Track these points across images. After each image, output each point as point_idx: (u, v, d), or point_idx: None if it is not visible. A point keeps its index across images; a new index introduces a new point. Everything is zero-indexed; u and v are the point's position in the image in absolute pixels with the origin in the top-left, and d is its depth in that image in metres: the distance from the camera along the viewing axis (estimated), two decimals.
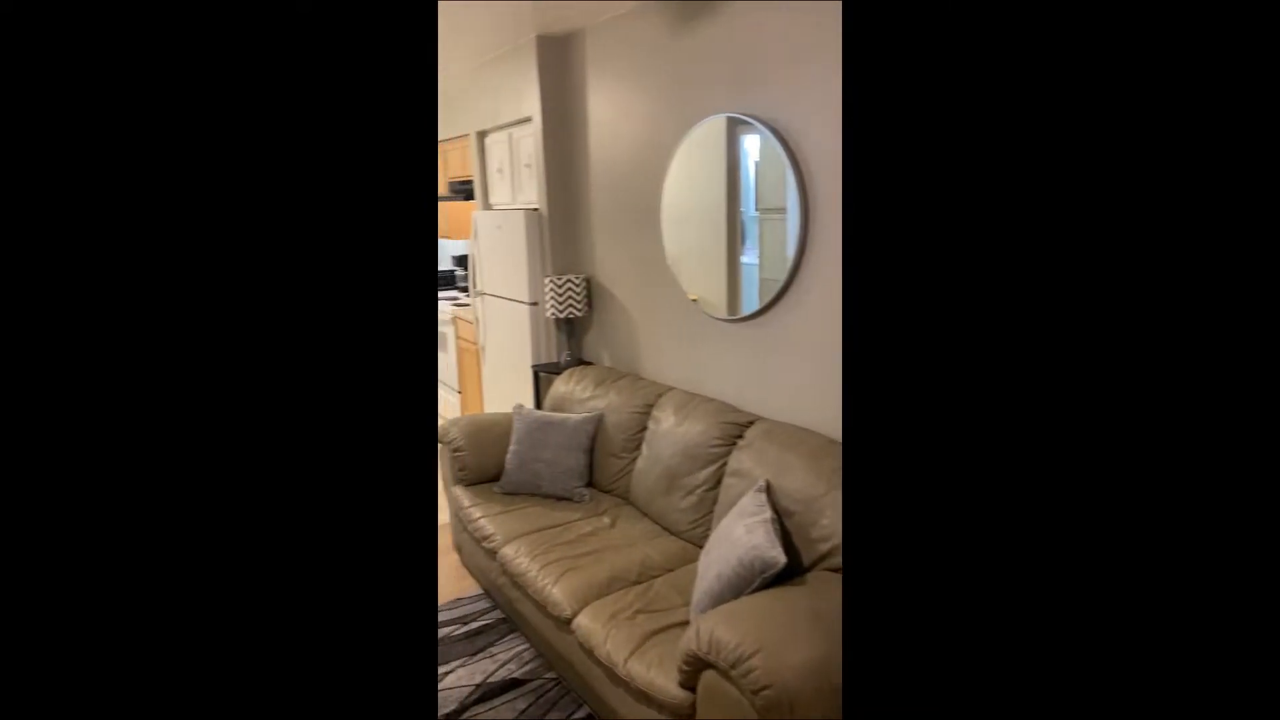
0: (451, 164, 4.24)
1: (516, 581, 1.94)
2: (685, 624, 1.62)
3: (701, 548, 1.99)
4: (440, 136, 4.37)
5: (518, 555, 1.97)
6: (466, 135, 3.88)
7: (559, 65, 2.87)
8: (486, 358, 3.51)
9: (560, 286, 2.82)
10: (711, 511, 2.00)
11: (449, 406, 4.20)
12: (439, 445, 2.49)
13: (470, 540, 2.27)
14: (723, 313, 2.25)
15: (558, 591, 1.78)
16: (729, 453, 2.00)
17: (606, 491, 2.38)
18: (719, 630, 1.29)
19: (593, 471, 2.41)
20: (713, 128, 2.18)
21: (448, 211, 4.59)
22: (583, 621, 1.67)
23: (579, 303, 2.86)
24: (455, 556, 2.62)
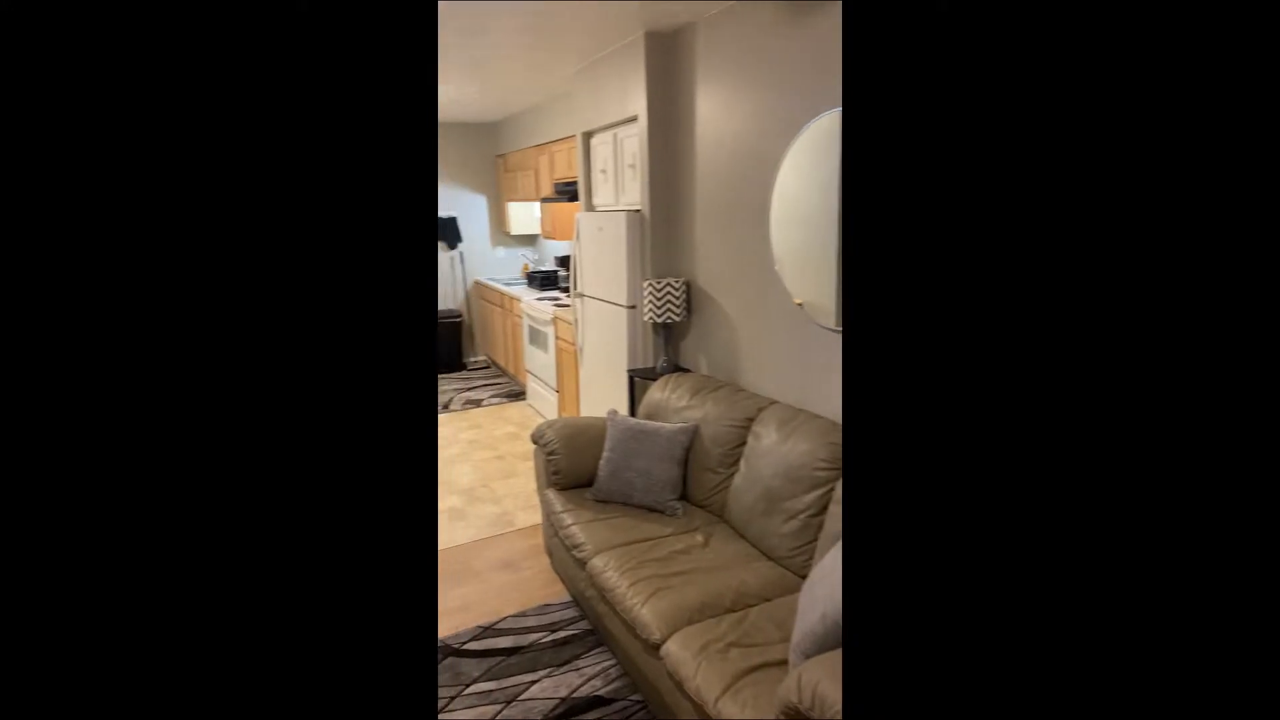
0: (558, 165, 4.29)
1: (605, 596, 1.88)
2: (783, 664, 1.49)
3: (803, 578, 1.84)
4: (546, 138, 4.44)
5: (607, 568, 1.91)
6: (573, 136, 3.90)
7: (667, 62, 2.79)
8: (583, 359, 3.51)
9: (659, 290, 2.74)
10: (815, 540, 1.84)
11: (548, 405, 4.25)
12: (534, 446, 2.48)
13: (561, 546, 2.24)
14: (831, 319, 2.07)
15: (646, 613, 1.69)
16: (837, 477, 1.83)
17: (700, 506, 2.27)
18: (824, 685, 1.15)
19: (687, 485, 2.32)
20: (827, 124, 2.01)
21: (552, 212, 4.65)
22: (672, 649, 1.58)
23: (678, 307, 2.77)
24: (546, 560, 2.61)
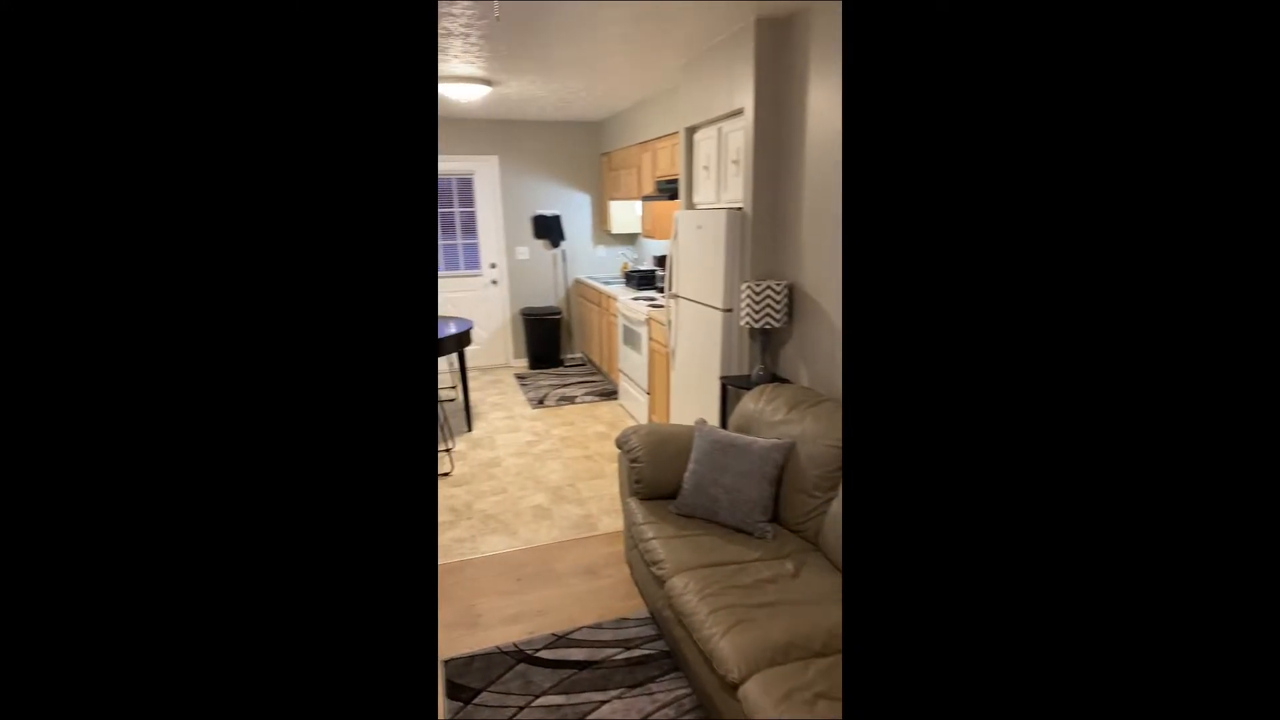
0: (661, 162, 4.20)
1: (682, 620, 1.76)
2: None
3: None
4: (650, 135, 4.36)
5: (686, 590, 1.78)
6: (676, 133, 3.79)
7: (778, 50, 2.61)
8: (675, 363, 3.39)
9: (758, 293, 2.57)
10: None
11: (639, 406, 4.18)
12: (618, 451, 2.40)
13: (640, 560, 2.14)
14: None
15: (725, 646, 1.55)
16: None
17: (793, 531, 2.09)
18: None
19: (778, 506, 2.14)
20: None
21: (653, 211, 4.58)
22: (751, 691, 1.43)
23: (778, 312, 2.59)
24: (626, 570, 2.52)
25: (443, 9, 2.34)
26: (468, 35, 2.71)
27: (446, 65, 3.25)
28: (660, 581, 1.93)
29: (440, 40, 2.78)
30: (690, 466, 2.20)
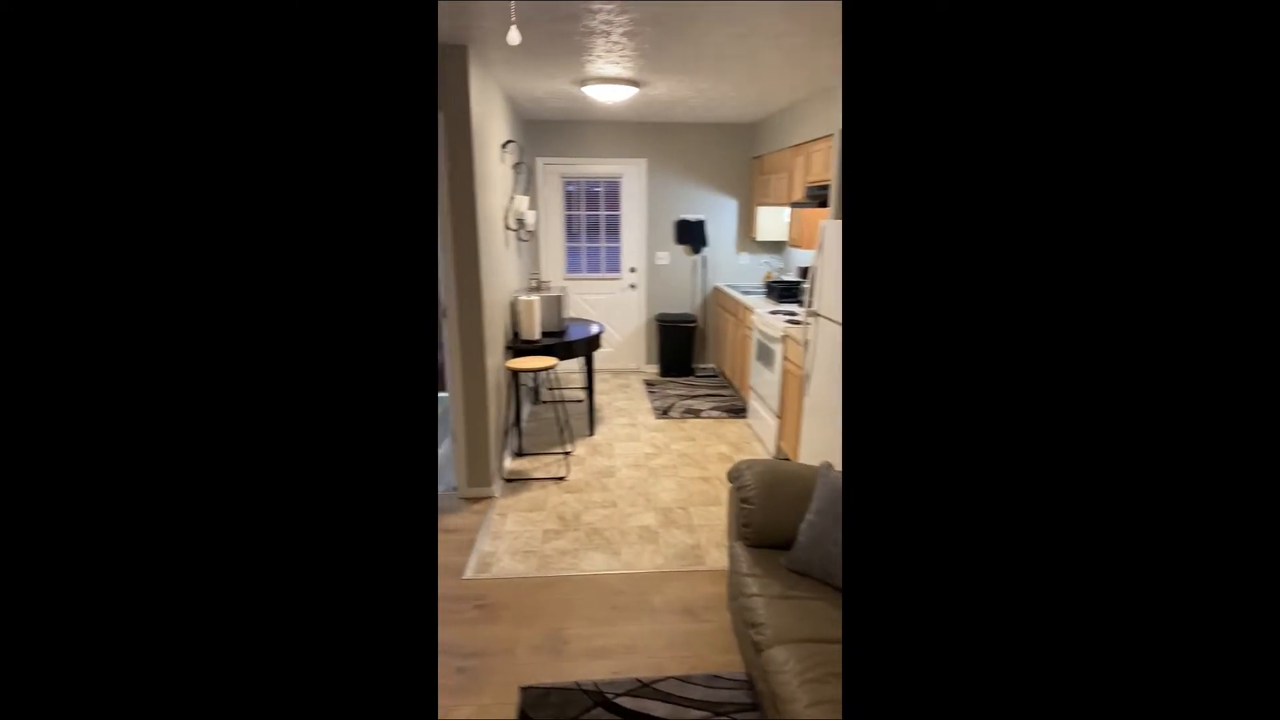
0: (814, 166, 3.86)
1: (777, 705, 1.49)
2: None
3: None
4: (805, 137, 4.03)
5: (784, 668, 1.51)
6: (831, 135, 3.44)
7: None
8: (809, 389, 3.06)
9: None
10: None
11: (767, 430, 3.88)
12: (729, 485, 2.17)
13: (740, 614, 1.90)
14: None
15: None
16: None
17: None
18: None
19: None
20: None
21: (801, 218, 4.24)
22: None
23: None
24: (728, 619, 2.28)
25: (580, 7, 2.26)
26: (609, 34, 2.61)
27: (591, 66, 3.20)
28: (757, 649, 1.67)
29: (582, 40, 2.71)
30: (808, 516, 1.91)
